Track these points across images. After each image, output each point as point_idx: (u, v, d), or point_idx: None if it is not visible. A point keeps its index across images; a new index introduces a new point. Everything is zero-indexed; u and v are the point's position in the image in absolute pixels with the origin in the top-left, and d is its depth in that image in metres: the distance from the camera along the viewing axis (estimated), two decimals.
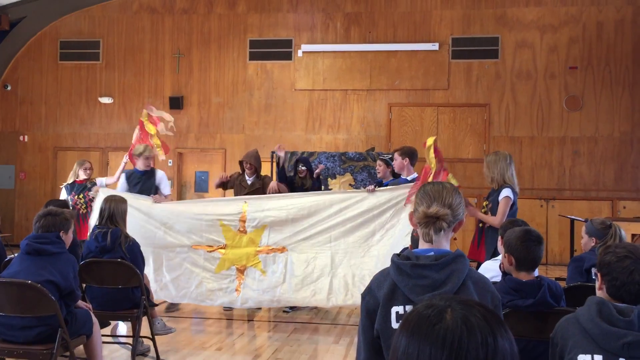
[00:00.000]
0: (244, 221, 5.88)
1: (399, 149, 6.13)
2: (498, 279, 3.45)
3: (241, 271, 5.88)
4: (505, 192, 4.93)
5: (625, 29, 11.40)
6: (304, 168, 6.91)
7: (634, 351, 1.97)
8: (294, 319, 6.48)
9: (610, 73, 11.40)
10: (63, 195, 7.18)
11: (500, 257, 3.71)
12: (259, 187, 6.70)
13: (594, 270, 3.77)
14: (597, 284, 2.21)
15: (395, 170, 6.14)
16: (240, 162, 6.94)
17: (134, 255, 4.57)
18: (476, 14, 11.78)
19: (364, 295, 2.07)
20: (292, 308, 6.65)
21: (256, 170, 6.78)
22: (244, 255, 5.91)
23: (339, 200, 5.94)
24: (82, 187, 7.28)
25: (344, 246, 5.80)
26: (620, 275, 2.11)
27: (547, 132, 11.52)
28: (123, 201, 4.78)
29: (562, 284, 3.26)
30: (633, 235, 7.86)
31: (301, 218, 5.90)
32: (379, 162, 6.48)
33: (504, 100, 11.68)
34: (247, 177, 6.82)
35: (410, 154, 5.92)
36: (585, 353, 2.02)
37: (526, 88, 11.62)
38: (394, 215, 5.74)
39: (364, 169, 8.95)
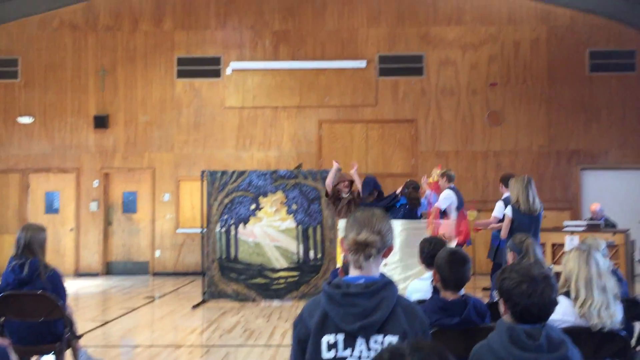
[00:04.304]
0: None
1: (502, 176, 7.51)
2: (427, 296, 3.53)
3: None
4: (506, 210, 6.15)
5: (540, 47, 12.02)
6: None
7: None
8: (227, 342, 6.37)
9: (528, 89, 11.98)
10: None
11: (426, 275, 3.83)
12: (352, 199, 7.86)
13: (493, 293, 3.99)
14: (502, 309, 2.26)
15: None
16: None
17: (55, 285, 4.36)
18: (401, 32, 12.12)
19: (295, 324, 2.06)
20: None
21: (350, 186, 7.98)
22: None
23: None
24: None
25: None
26: (521, 300, 2.15)
27: (471, 146, 11.94)
28: (41, 229, 4.55)
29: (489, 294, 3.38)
30: (553, 245, 8.22)
31: None
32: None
33: (430, 116, 12.03)
34: (343, 194, 7.98)
35: (505, 181, 7.02)
36: None
37: (450, 104, 12.03)
38: None
39: (295, 187, 8.95)
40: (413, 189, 7.41)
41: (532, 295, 2.14)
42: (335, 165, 8.00)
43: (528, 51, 12.01)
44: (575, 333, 2.78)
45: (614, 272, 3.72)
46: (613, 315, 2.88)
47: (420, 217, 7.51)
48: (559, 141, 11.92)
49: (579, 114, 11.88)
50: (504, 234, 5.97)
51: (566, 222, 8.75)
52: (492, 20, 12.06)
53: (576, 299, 2.91)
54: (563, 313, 2.89)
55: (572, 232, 7.95)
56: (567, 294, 2.97)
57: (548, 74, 11.97)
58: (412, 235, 6.65)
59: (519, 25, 12.03)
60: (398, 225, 6.74)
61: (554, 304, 2.16)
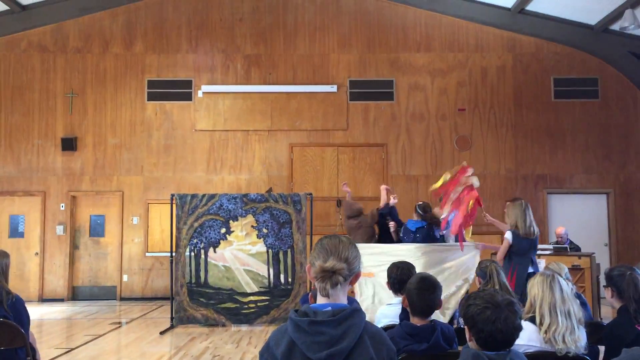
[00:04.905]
0: None
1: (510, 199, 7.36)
2: (396, 321, 3.55)
3: None
4: (506, 234, 6.19)
5: (507, 74, 12.31)
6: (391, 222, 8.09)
7: None
8: None
9: (495, 115, 12.22)
10: None
11: (395, 301, 3.84)
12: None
13: (460, 320, 4.05)
14: (467, 336, 2.29)
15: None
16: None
17: (17, 312, 4.24)
18: (371, 58, 12.29)
19: (262, 353, 2.05)
20: None
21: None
22: None
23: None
24: None
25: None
26: (485, 326, 2.18)
27: (441, 171, 12.04)
28: (4, 255, 4.43)
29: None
30: None
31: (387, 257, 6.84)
32: None
33: (400, 140, 12.17)
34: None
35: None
36: None
37: (420, 128, 12.19)
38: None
39: (266, 210, 8.93)
40: (432, 214, 7.53)
41: (496, 321, 2.16)
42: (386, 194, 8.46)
43: (495, 78, 12.29)
44: (540, 358, 2.82)
45: (578, 296, 3.80)
46: (577, 340, 2.93)
47: (441, 237, 7.52)
48: (526, 166, 12.16)
49: (545, 139, 12.15)
50: (500, 257, 6.05)
51: None
52: (460, 47, 12.33)
53: (541, 324, 2.95)
54: (528, 338, 2.92)
55: (539, 256, 8.07)
56: (532, 319, 3.01)
57: (514, 100, 12.25)
58: (433, 258, 6.80)
59: (486, 53, 12.32)
60: (420, 249, 6.86)
61: (518, 329, 2.19)
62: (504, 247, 6.14)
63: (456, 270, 6.72)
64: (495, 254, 7.62)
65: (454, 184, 7.01)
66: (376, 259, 6.72)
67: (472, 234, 7.09)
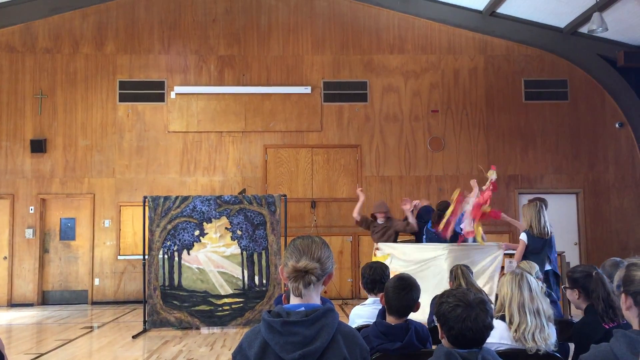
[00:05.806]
0: (377, 249, 8.03)
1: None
2: (370, 321, 3.56)
3: None
4: (521, 236, 6.39)
5: (478, 76, 12.46)
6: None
7: None
8: None
9: (467, 116, 12.36)
10: None
11: (369, 301, 3.86)
12: (387, 226, 8.60)
13: (434, 318, 4.12)
14: (440, 334, 2.31)
15: None
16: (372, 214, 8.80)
17: None
18: (345, 59, 12.33)
19: (234, 355, 2.04)
20: None
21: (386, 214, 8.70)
22: None
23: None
24: None
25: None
26: (455, 324, 2.21)
27: (414, 172, 12.18)
28: None
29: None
30: None
31: (415, 257, 7.44)
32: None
33: (374, 142, 12.23)
34: (379, 221, 8.73)
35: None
36: None
37: (394, 130, 12.26)
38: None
39: (240, 212, 8.88)
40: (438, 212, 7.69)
41: (466, 319, 2.18)
42: (361, 197, 8.86)
43: (467, 79, 12.43)
44: (512, 356, 2.86)
45: (548, 294, 3.85)
46: (547, 337, 2.97)
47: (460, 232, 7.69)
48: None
49: (516, 140, 12.33)
50: (518, 257, 6.19)
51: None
52: (433, 49, 12.44)
53: (511, 323, 2.99)
54: (500, 337, 2.96)
55: (510, 255, 8.17)
56: (503, 318, 3.05)
57: (486, 102, 12.40)
58: (459, 256, 7.04)
59: (458, 55, 12.45)
60: (446, 248, 7.12)
61: (488, 328, 2.21)
62: (521, 248, 6.30)
63: (478, 271, 6.90)
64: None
65: (455, 213, 7.44)
66: (404, 261, 7.01)
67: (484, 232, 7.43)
